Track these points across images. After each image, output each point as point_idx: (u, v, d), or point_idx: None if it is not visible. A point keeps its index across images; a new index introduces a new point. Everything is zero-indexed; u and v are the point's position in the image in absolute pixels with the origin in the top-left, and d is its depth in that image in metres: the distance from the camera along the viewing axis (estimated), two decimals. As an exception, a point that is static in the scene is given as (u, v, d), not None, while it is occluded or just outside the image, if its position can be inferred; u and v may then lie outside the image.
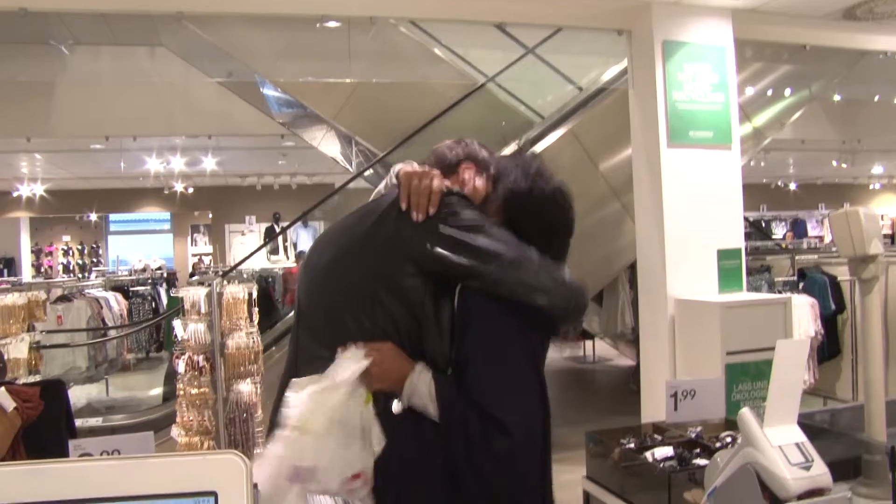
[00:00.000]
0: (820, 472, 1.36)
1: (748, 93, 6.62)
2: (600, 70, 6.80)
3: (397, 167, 1.86)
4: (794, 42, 5.58)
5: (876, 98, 8.83)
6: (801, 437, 1.40)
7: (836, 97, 8.63)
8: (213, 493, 0.75)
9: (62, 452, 2.52)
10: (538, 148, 6.65)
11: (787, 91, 7.10)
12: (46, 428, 2.81)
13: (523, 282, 1.72)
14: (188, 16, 4.78)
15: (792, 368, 1.40)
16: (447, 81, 7.13)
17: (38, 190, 14.46)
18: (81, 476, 0.74)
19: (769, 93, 6.91)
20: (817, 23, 5.35)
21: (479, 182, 1.95)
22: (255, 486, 0.79)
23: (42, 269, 17.60)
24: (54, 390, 2.97)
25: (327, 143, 8.95)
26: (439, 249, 1.69)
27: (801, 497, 1.34)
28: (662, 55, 4.74)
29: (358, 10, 4.68)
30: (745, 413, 1.44)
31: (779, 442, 1.37)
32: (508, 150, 7.12)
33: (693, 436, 2.65)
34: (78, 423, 5.70)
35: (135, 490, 0.74)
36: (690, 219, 4.73)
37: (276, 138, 10.04)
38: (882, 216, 17.89)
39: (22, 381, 4.64)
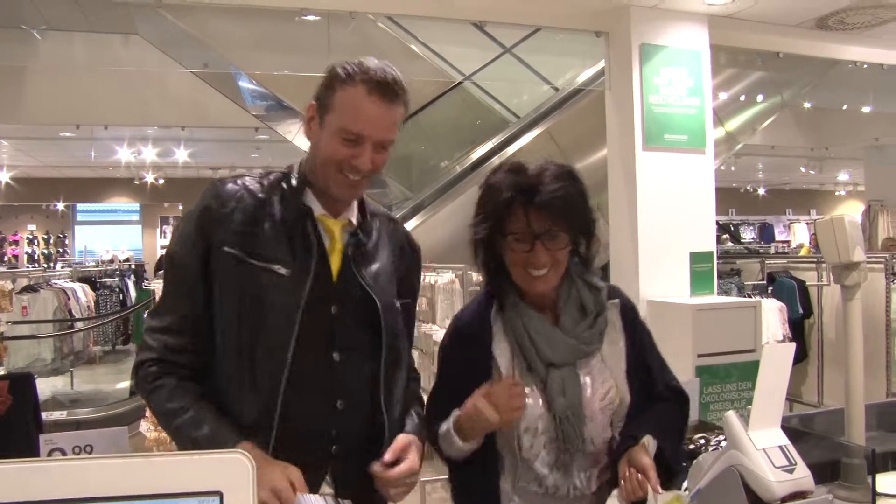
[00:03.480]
0: (803, 475, 1.38)
1: (722, 98, 6.70)
2: (577, 71, 6.83)
3: None
4: (768, 49, 5.66)
5: (844, 107, 8.99)
6: (784, 440, 1.42)
7: (807, 104, 8.76)
8: (219, 493, 0.74)
9: (30, 447, 2.47)
10: (514, 147, 6.67)
11: (760, 97, 7.20)
12: (14, 422, 2.75)
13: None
14: (165, 4, 4.72)
15: (778, 373, 1.42)
16: (424, 78, 7.11)
17: (4, 177, 14.18)
18: (84, 474, 0.72)
19: (742, 98, 7.01)
20: (791, 31, 5.43)
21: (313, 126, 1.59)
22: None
23: (6, 259, 17.28)
24: (24, 384, 2.91)
25: (301, 137, 8.80)
26: None
27: (784, 499, 1.36)
28: (640, 58, 4.77)
29: (338, 4, 4.67)
30: (731, 416, 1.46)
31: (763, 445, 1.40)
32: (484, 149, 7.16)
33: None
34: (42, 416, 5.61)
35: (137, 489, 0.72)
36: (664, 221, 4.77)
37: (250, 131, 9.93)
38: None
39: (-13, 372, 4.55)
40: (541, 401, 1.67)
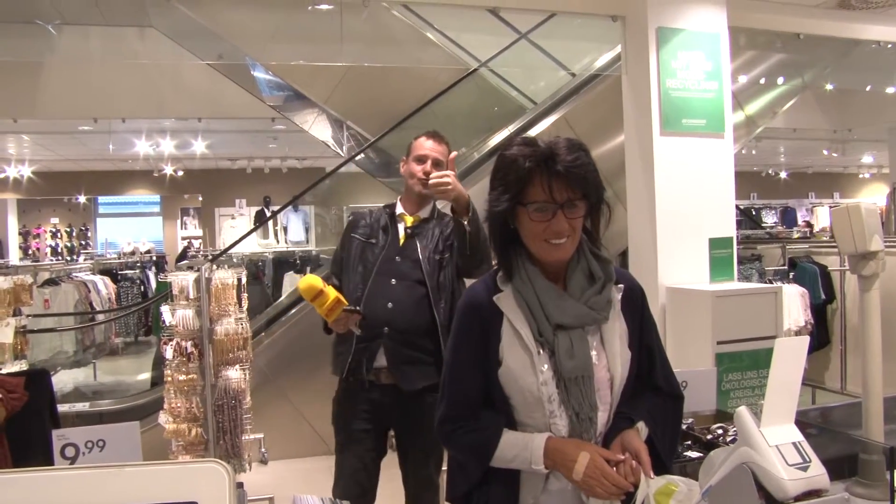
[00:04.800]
0: (817, 472, 1.34)
1: (741, 81, 6.59)
2: (593, 56, 6.76)
3: None
4: (788, 30, 5.55)
5: (867, 87, 8.82)
6: (798, 436, 1.38)
7: (829, 86, 8.61)
8: None
9: (45, 442, 2.48)
10: (531, 134, 6.59)
11: (780, 79, 7.08)
12: (30, 418, 2.77)
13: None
14: (178, -3, 4.72)
15: (790, 367, 1.38)
16: (439, 66, 7.07)
17: (26, 171, 14.29)
18: (60, 485, 0.70)
19: (762, 81, 6.89)
20: (812, 11, 5.33)
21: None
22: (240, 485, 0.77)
23: (30, 252, 17.46)
24: (39, 380, 2.93)
25: (318, 127, 8.88)
26: None
27: (797, 498, 1.32)
28: (656, 42, 4.70)
29: (350, -7, 4.64)
30: (742, 412, 1.42)
31: (776, 441, 1.35)
32: (501, 136, 7.11)
33: (684, 427, 2.64)
34: (65, 408, 5.67)
35: (113, 500, 0.71)
36: (682, 207, 4.71)
37: (267, 121, 9.95)
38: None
39: (7, 366, 4.59)
40: (547, 366, 1.67)
